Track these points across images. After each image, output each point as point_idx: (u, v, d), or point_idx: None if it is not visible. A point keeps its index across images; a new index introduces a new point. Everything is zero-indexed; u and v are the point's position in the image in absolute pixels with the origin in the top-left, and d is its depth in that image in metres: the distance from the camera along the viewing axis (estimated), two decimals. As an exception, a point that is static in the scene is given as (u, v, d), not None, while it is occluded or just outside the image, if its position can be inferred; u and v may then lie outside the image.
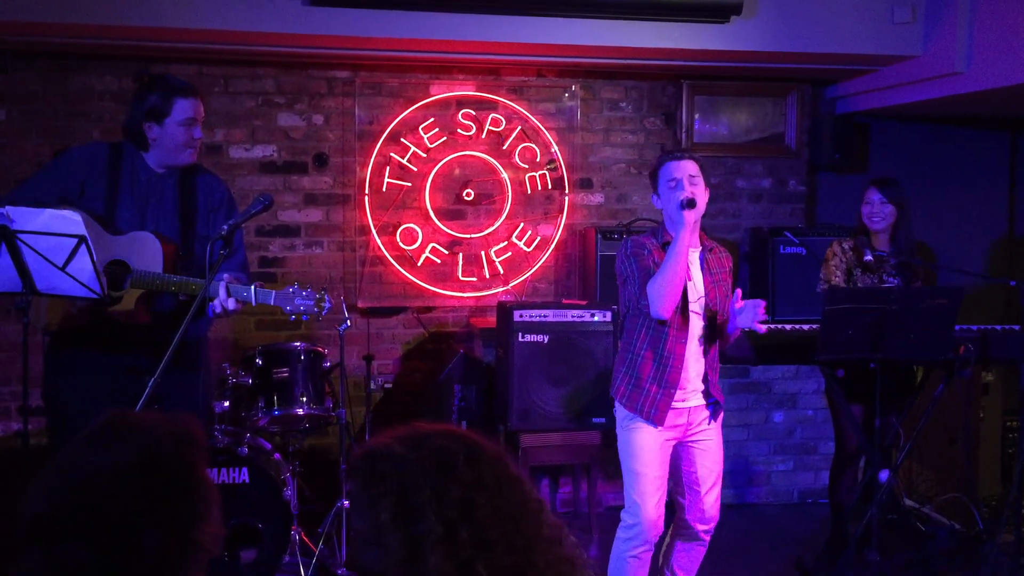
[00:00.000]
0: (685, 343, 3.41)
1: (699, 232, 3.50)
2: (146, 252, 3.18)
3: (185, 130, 3.27)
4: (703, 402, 3.47)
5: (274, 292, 3.18)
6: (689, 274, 3.41)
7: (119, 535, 1.34)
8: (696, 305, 3.44)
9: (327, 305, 3.23)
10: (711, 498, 3.51)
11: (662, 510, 3.45)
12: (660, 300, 3.32)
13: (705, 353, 3.47)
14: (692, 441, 3.50)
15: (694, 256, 3.47)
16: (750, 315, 3.35)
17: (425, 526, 1.36)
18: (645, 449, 3.42)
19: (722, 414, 3.56)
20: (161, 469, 1.39)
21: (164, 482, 1.39)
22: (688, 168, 3.41)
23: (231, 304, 3.11)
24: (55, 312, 3.25)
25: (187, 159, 3.33)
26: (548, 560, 1.43)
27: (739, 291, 3.44)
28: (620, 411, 3.52)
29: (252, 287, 3.15)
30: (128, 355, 3.26)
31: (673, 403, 3.41)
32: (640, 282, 3.40)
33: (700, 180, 3.43)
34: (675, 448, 3.51)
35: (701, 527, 3.53)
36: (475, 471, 1.41)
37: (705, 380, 3.47)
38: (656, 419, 3.39)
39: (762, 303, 3.35)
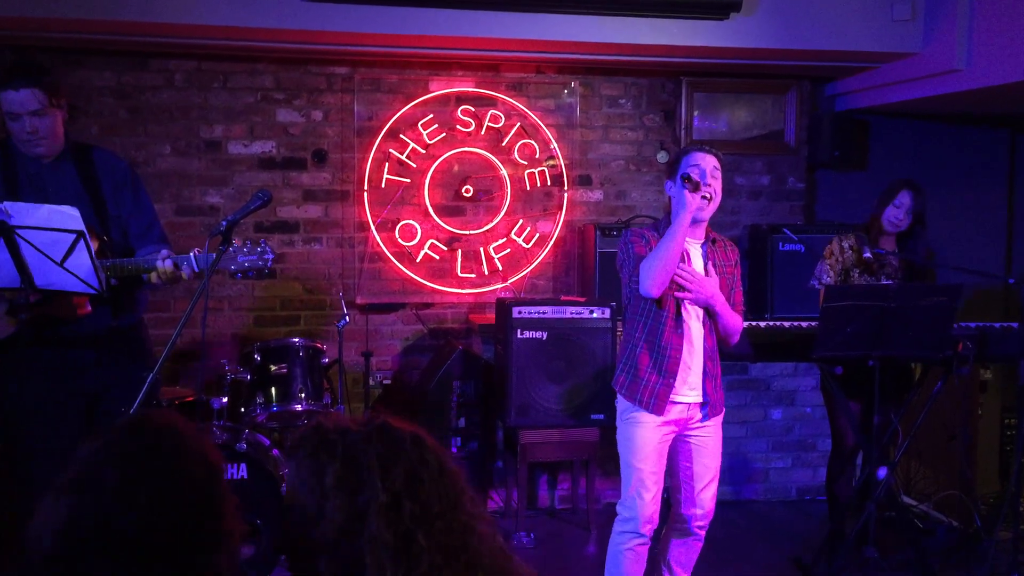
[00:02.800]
0: (682, 334, 3.40)
1: (705, 226, 3.48)
2: None
3: (14, 123, 3.11)
4: (702, 399, 3.46)
5: (215, 255, 3.04)
6: (690, 261, 3.41)
7: (132, 563, 1.30)
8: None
9: (269, 256, 3.07)
10: (707, 494, 3.51)
11: (658, 505, 3.45)
12: (649, 277, 3.30)
13: (705, 345, 3.45)
14: (691, 437, 3.49)
15: (696, 246, 3.46)
16: None
17: (370, 494, 1.39)
18: (644, 444, 3.42)
19: (723, 411, 3.55)
20: (177, 496, 1.35)
21: (182, 507, 1.34)
22: (712, 161, 3.41)
23: (185, 271, 3.07)
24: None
25: (34, 151, 3.17)
26: (485, 548, 1.47)
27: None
28: (620, 403, 3.51)
29: (191, 254, 3.07)
30: (69, 350, 3.22)
31: (673, 395, 3.39)
32: (634, 266, 3.39)
33: (720, 177, 3.41)
34: (673, 442, 3.50)
35: (696, 522, 3.53)
36: (419, 451, 1.46)
37: (705, 374, 3.45)
38: (656, 408, 3.38)
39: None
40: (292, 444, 1.50)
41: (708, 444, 3.49)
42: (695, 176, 3.31)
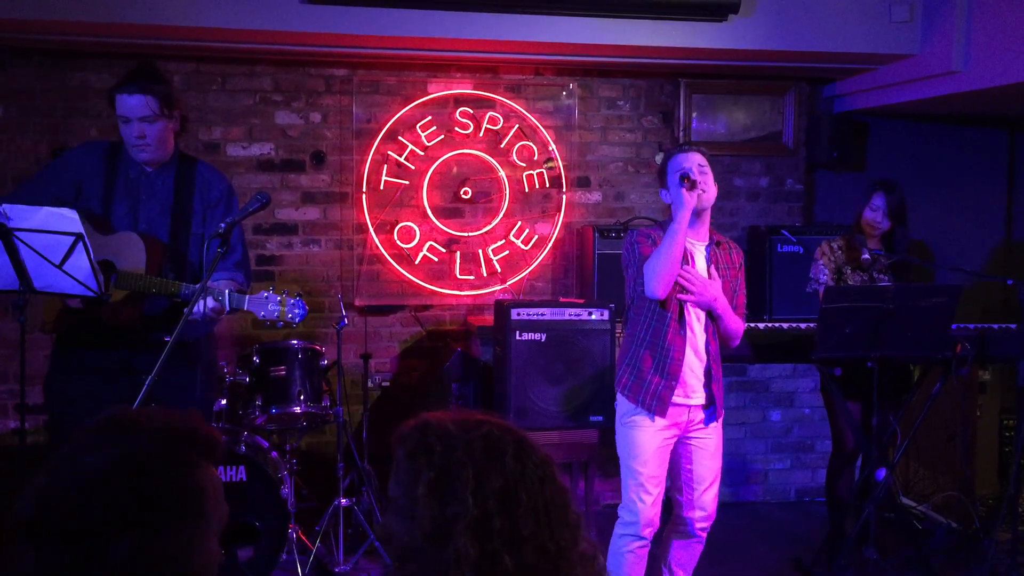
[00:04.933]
0: (684, 335, 3.40)
1: (708, 226, 3.50)
2: (130, 252, 3.16)
3: (124, 126, 3.19)
4: (705, 401, 3.46)
5: (248, 297, 3.10)
6: (693, 263, 3.42)
7: (90, 540, 1.29)
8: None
9: (299, 312, 3.11)
10: (709, 496, 3.50)
11: (659, 508, 3.45)
12: (653, 278, 3.32)
13: (707, 347, 3.45)
14: (692, 439, 3.49)
15: (700, 248, 3.47)
16: None
17: (460, 508, 1.36)
18: (644, 447, 3.42)
19: (723, 414, 3.54)
20: (142, 473, 1.33)
21: (143, 487, 1.32)
22: (696, 159, 3.42)
23: (207, 306, 3.08)
24: (50, 312, 3.24)
25: (139, 155, 3.23)
26: (577, 572, 1.41)
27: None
28: (622, 405, 3.51)
29: (226, 291, 3.09)
30: (126, 354, 3.25)
31: (675, 398, 3.40)
32: (639, 266, 3.41)
33: (709, 171, 3.43)
34: (675, 445, 3.50)
35: (698, 525, 3.52)
36: (521, 465, 1.41)
37: (707, 375, 3.45)
38: (658, 410, 3.38)
39: None
40: (396, 437, 1.48)
41: (709, 446, 3.49)
42: (683, 170, 3.33)
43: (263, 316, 3.10)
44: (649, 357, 3.42)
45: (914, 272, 4.36)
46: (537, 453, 1.45)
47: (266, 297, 3.10)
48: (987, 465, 5.12)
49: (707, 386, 3.45)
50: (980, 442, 5.06)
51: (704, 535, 3.56)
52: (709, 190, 3.40)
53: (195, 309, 2.95)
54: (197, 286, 3.00)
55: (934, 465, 5.16)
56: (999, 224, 6.05)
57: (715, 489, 3.52)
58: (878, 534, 4.02)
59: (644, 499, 3.41)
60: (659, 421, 3.40)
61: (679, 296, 3.38)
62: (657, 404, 3.39)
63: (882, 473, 4.09)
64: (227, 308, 3.09)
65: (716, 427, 3.51)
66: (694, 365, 3.42)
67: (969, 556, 4.43)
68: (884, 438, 4.21)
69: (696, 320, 3.43)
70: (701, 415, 3.46)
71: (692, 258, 3.43)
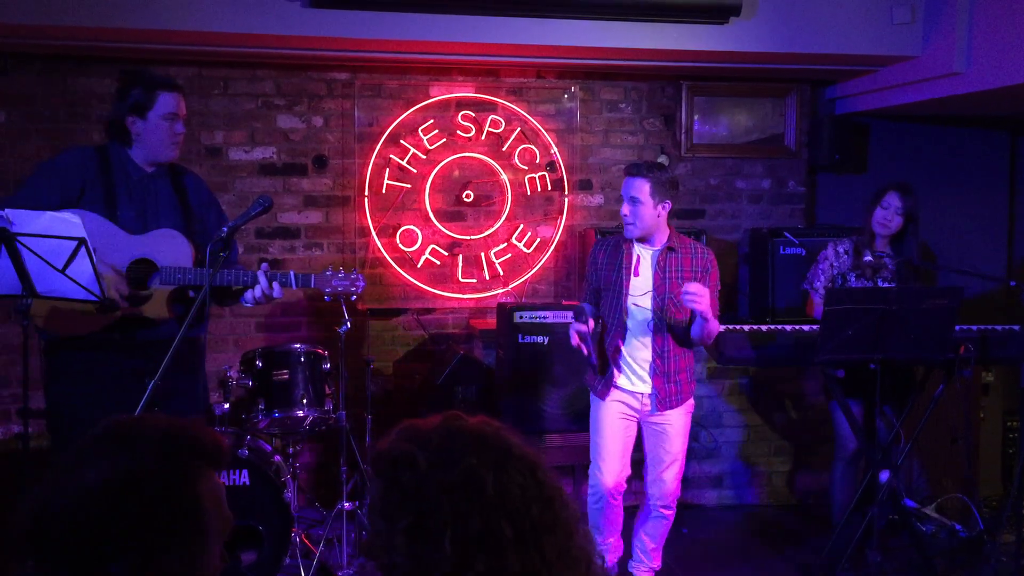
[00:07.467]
0: (624, 335, 3.78)
1: (667, 231, 3.75)
2: (175, 249, 3.24)
3: (168, 124, 3.26)
4: (651, 391, 3.78)
5: (313, 276, 3.37)
6: (637, 271, 3.74)
7: (89, 557, 1.29)
8: (639, 299, 3.75)
9: (361, 284, 3.49)
10: (668, 475, 3.84)
11: (616, 475, 3.84)
12: None
13: (653, 344, 3.74)
14: (651, 423, 3.85)
15: (647, 253, 3.75)
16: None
17: (439, 554, 1.29)
18: (600, 420, 3.88)
19: (682, 404, 3.81)
20: (139, 492, 1.32)
21: (140, 506, 1.31)
22: (631, 188, 3.67)
23: (276, 291, 3.27)
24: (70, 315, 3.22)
25: (171, 154, 3.32)
26: None
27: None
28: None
29: (291, 273, 3.31)
30: (133, 358, 3.25)
31: (621, 383, 3.81)
32: (584, 294, 3.98)
33: (647, 200, 3.65)
34: (641, 427, 3.90)
35: (658, 500, 3.90)
36: (501, 495, 1.32)
37: (654, 371, 3.76)
38: (599, 394, 3.88)
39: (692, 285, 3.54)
40: (372, 460, 1.39)
41: (667, 431, 3.85)
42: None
43: (328, 291, 3.44)
44: (600, 349, 3.86)
45: (923, 277, 4.35)
46: (521, 470, 1.36)
47: (329, 275, 3.44)
48: (990, 467, 5.12)
49: (653, 379, 3.77)
50: (983, 444, 5.06)
51: (667, 512, 3.92)
52: (637, 221, 3.67)
53: (245, 297, 3.24)
54: (289, 273, 3.31)
55: (937, 467, 5.15)
56: (1001, 226, 6.05)
57: (674, 470, 3.86)
58: (881, 536, 4.02)
59: (600, 466, 3.86)
60: (608, 400, 3.83)
61: (688, 305, 3.58)
62: (599, 389, 3.88)
63: (885, 475, 4.09)
64: (294, 287, 3.33)
65: (675, 414, 3.82)
66: (638, 359, 3.78)
67: (972, 558, 4.43)
68: (887, 440, 4.21)
69: (641, 320, 3.75)
70: (650, 403, 3.80)
71: (638, 263, 3.75)
